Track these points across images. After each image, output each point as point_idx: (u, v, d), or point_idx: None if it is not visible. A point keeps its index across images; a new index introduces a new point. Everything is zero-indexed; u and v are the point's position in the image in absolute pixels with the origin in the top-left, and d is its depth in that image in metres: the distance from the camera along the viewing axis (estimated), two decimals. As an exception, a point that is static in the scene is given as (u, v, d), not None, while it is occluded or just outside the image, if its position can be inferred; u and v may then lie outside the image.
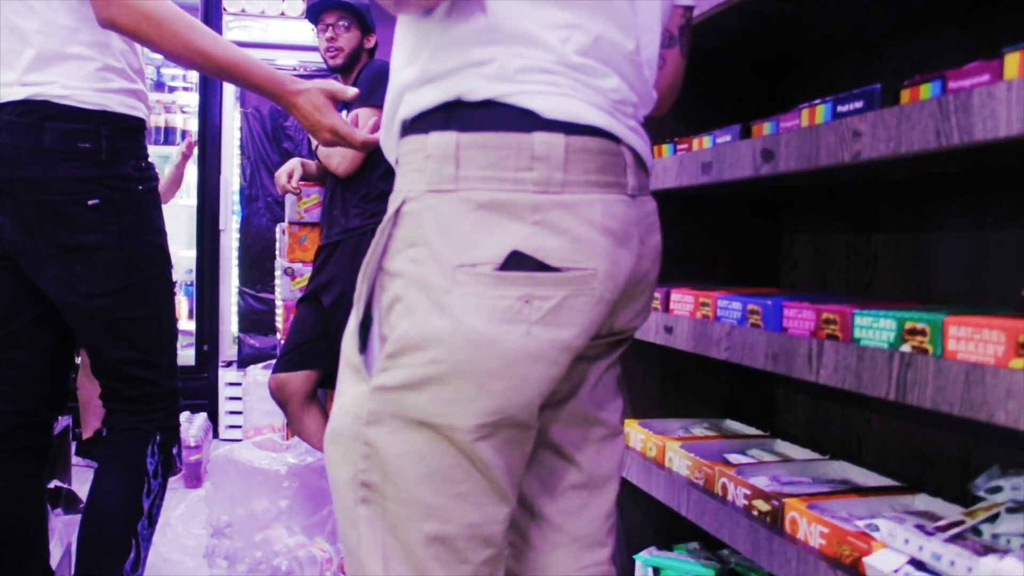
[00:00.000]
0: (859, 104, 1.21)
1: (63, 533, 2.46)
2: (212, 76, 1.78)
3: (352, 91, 1.79)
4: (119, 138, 1.76)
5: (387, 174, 2.93)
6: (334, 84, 1.76)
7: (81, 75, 1.73)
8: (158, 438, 1.89)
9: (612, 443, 1.18)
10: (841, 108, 1.25)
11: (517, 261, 0.95)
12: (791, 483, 1.54)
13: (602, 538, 1.18)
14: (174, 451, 1.97)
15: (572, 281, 0.98)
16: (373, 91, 2.89)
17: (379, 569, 1.01)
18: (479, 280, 0.95)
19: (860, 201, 1.78)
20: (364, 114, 2.88)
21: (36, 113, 1.71)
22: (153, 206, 1.87)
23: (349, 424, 1.02)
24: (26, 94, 1.72)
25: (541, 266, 0.96)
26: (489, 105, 0.98)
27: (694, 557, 1.85)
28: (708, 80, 1.98)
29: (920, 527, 1.16)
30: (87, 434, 3.82)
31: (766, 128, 1.45)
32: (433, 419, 0.97)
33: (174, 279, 1.96)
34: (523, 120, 0.98)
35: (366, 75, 2.96)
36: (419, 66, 1.03)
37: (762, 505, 1.42)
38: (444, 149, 0.98)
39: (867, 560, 1.17)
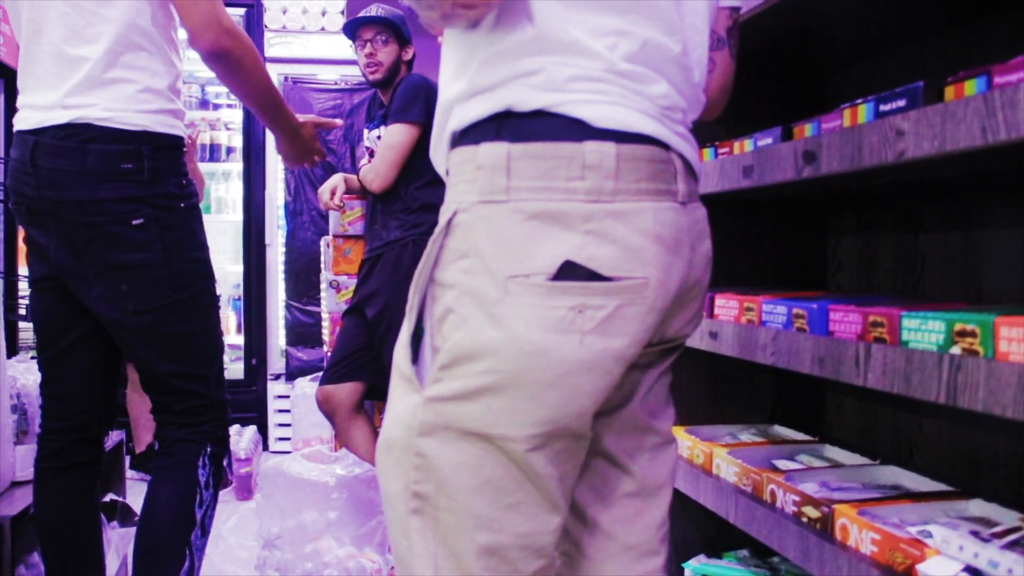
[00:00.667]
0: (902, 103, 1.19)
1: (119, 545, 2.50)
2: (263, 110, 1.94)
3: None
4: (160, 157, 1.79)
5: (427, 186, 2.94)
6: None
7: (123, 97, 1.76)
8: (208, 449, 1.91)
9: (665, 451, 1.17)
10: (884, 107, 1.23)
11: (569, 271, 0.95)
12: (841, 489, 1.52)
13: (655, 547, 1.17)
14: (224, 462, 1.99)
15: (624, 290, 0.97)
16: (408, 108, 2.91)
17: None
18: (532, 290, 0.95)
19: (906, 201, 1.75)
20: (395, 131, 2.91)
21: (79, 136, 1.74)
22: (195, 222, 1.89)
23: (401, 435, 1.02)
24: (69, 117, 1.75)
25: (593, 275, 0.96)
26: (539, 115, 0.99)
27: (744, 565, 1.83)
28: (748, 82, 1.96)
29: (975, 533, 1.13)
30: (139, 448, 3.88)
31: (808, 130, 1.43)
32: (486, 430, 0.97)
33: (218, 293, 1.99)
34: (574, 129, 0.98)
35: (401, 91, 2.99)
36: (468, 79, 1.03)
37: (811, 512, 1.40)
38: (495, 160, 0.98)
39: (920, 567, 1.15)
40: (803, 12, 1.55)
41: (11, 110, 3.21)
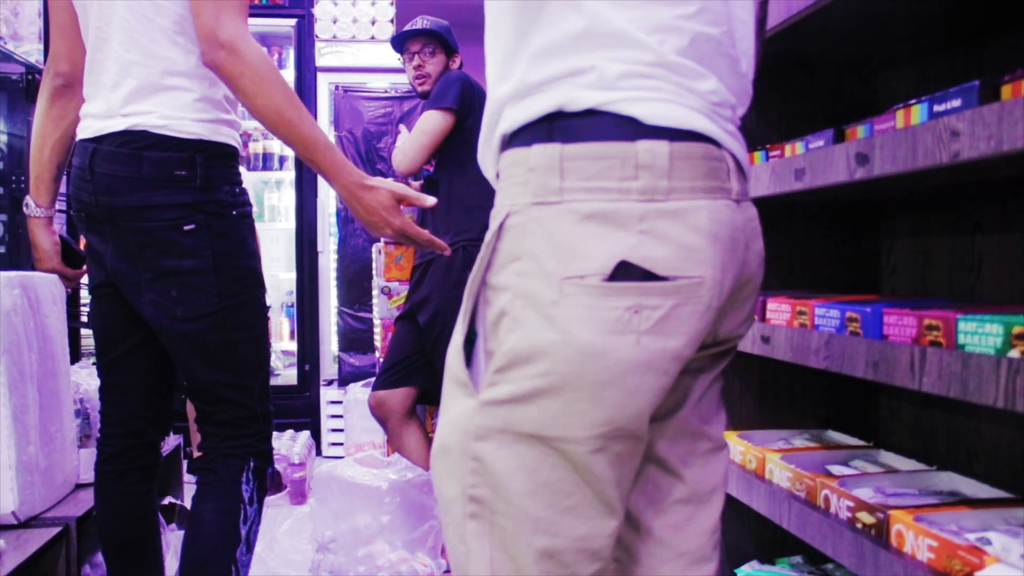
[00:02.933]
0: (957, 103, 1.18)
1: (178, 547, 2.55)
2: (289, 145, 1.77)
3: (430, 200, 1.83)
4: (213, 165, 1.81)
5: (476, 190, 2.96)
6: (407, 189, 1.79)
7: (179, 105, 1.78)
8: (252, 464, 1.91)
9: (717, 457, 1.16)
10: (938, 107, 1.22)
11: (625, 271, 0.94)
12: (896, 495, 1.50)
13: (708, 553, 1.15)
14: (268, 473, 2.00)
15: (680, 290, 0.96)
16: (442, 96, 2.95)
17: None
18: (587, 291, 0.95)
19: (962, 202, 1.72)
20: (427, 117, 2.93)
21: (135, 143, 1.77)
22: (247, 230, 1.91)
23: (457, 439, 1.02)
24: (126, 124, 1.78)
25: (649, 275, 0.95)
26: (591, 114, 0.98)
27: (797, 571, 1.81)
28: (799, 84, 1.95)
29: (1035, 539, 1.12)
30: (197, 452, 3.94)
31: (860, 131, 1.42)
32: (544, 432, 0.97)
33: (268, 303, 2.00)
34: (626, 128, 0.97)
35: (439, 82, 3.04)
36: (517, 78, 1.03)
37: (866, 518, 1.38)
38: (548, 161, 0.98)
39: (979, 575, 1.13)
40: (854, 13, 1.54)
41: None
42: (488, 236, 1.02)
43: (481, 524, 1.01)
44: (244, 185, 1.93)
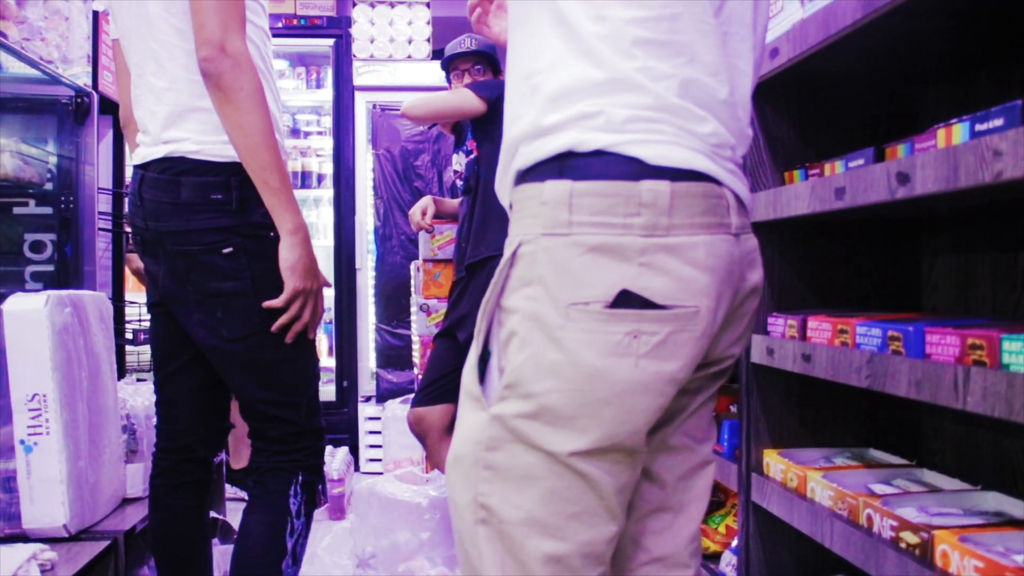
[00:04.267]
0: (999, 122, 1.18)
1: (220, 561, 2.58)
2: (260, 170, 1.78)
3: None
4: (248, 188, 1.82)
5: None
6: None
7: (210, 128, 1.82)
8: (301, 478, 1.94)
9: (702, 472, 1.26)
10: (979, 127, 1.22)
11: (625, 299, 1.03)
12: (940, 514, 1.49)
13: (685, 559, 1.25)
14: (318, 488, 2.03)
15: (677, 318, 1.05)
16: (485, 87, 3.03)
17: None
18: (590, 317, 1.03)
19: (1004, 220, 1.72)
20: (462, 91, 2.99)
21: (174, 169, 1.82)
22: None
23: (470, 450, 1.10)
24: (165, 151, 1.83)
25: (648, 304, 1.04)
26: (599, 155, 1.06)
27: (840, 590, 1.80)
28: (838, 103, 1.95)
29: (1083, 560, 1.11)
30: (236, 465, 3.98)
31: (900, 150, 1.42)
32: (549, 445, 1.05)
33: None
34: (631, 168, 1.05)
35: (486, 80, 3.11)
36: (531, 119, 1.12)
37: (910, 537, 1.38)
38: (559, 197, 1.06)
39: (1026, 595, 1.13)
40: (894, 31, 1.54)
41: (119, 143, 3.38)
42: (502, 262, 1.10)
43: (491, 529, 1.09)
44: None
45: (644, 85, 1.06)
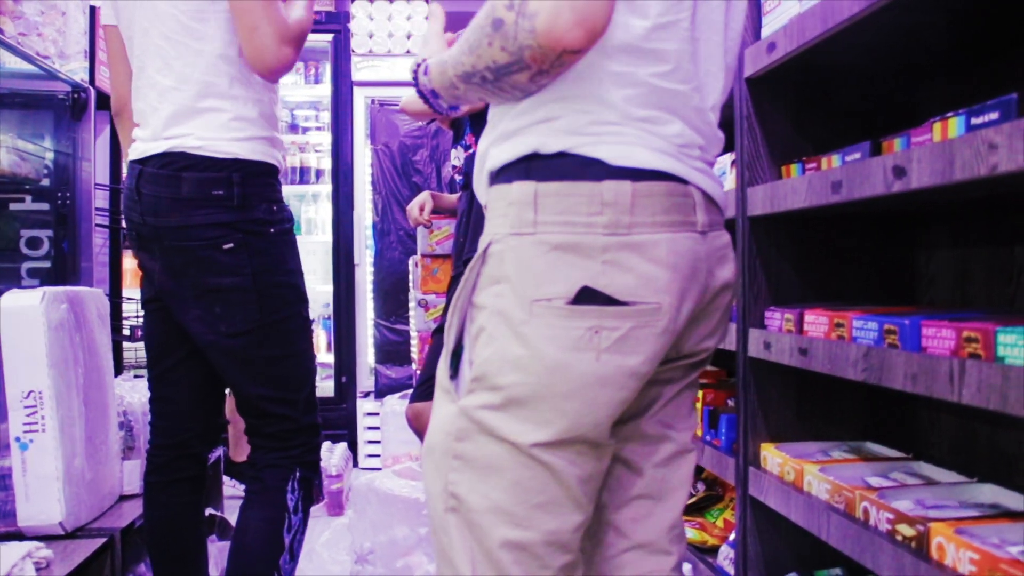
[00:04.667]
0: (994, 115, 1.18)
1: (218, 558, 2.58)
2: None
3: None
4: (250, 184, 1.84)
5: None
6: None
7: (215, 126, 1.83)
8: (298, 474, 1.94)
9: (681, 459, 1.27)
10: (975, 120, 1.22)
11: (587, 296, 1.06)
12: (936, 507, 1.49)
13: (666, 547, 1.27)
14: (315, 484, 2.03)
15: (638, 314, 1.07)
16: None
17: (468, 571, 1.11)
18: (553, 312, 1.06)
19: (1000, 212, 1.72)
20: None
21: (175, 164, 1.82)
22: (286, 247, 1.94)
23: (441, 440, 1.13)
24: (166, 147, 1.83)
25: (610, 300, 1.06)
26: (561, 156, 1.09)
27: (837, 584, 1.80)
28: (835, 97, 1.95)
29: (1078, 553, 1.11)
30: (237, 458, 3.97)
31: (897, 144, 1.42)
32: (513, 437, 1.08)
33: (311, 316, 2.03)
34: (593, 169, 1.08)
35: None
36: (502, 126, 1.15)
37: (906, 530, 1.38)
38: (524, 197, 1.09)
39: (1021, 588, 1.13)
40: (891, 26, 1.54)
41: (116, 139, 3.38)
42: (474, 260, 1.13)
43: (459, 517, 1.11)
44: (284, 201, 1.96)
45: (606, 97, 1.08)
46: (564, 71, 1.03)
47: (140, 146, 1.88)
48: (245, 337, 1.87)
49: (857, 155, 1.52)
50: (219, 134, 1.83)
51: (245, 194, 1.83)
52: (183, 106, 1.83)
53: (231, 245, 1.83)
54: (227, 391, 2.10)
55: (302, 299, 1.98)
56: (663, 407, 1.24)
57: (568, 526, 1.11)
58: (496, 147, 1.16)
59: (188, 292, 1.86)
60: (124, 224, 1.98)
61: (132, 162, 1.90)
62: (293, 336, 1.94)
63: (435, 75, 1.16)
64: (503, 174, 1.14)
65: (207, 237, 1.82)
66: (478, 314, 1.12)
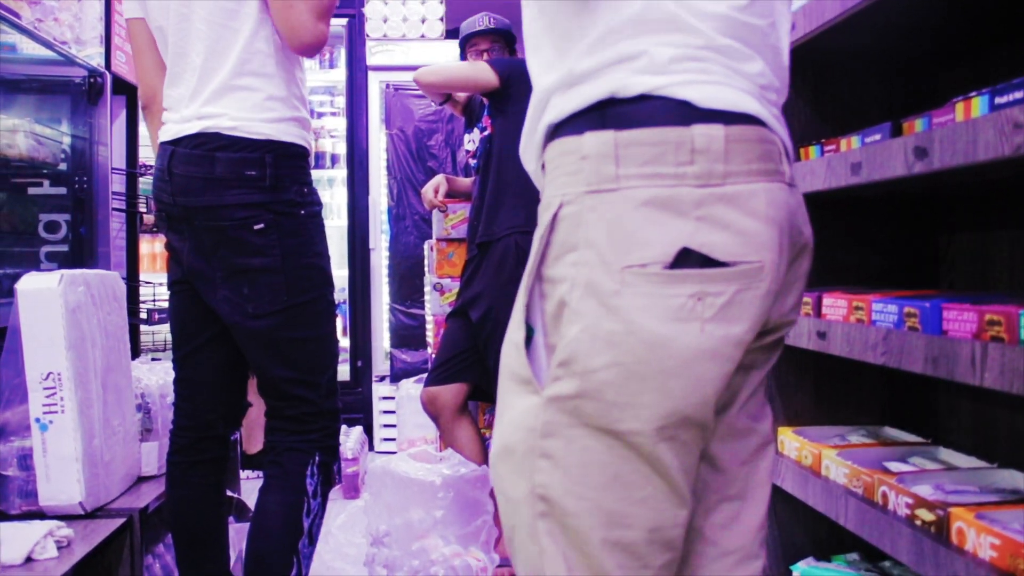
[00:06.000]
0: (1019, 94, 1.16)
1: (235, 540, 2.59)
2: None
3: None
4: (282, 165, 1.85)
5: (524, 181, 2.97)
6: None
7: (248, 106, 1.84)
8: (317, 458, 1.95)
9: (764, 453, 1.16)
10: (999, 100, 1.20)
11: (685, 258, 0.94)
12: (956, 492, 1.48)
13: (755, 551, 1.15)
14: (334, 468, 2.04)
15: (741, 275, 0.96)
16: (499, 62, 3.02)
17: None
18: (649, 280, 0.94)
19: (1023, 194, 1.70)
20: (477, 64, 3.01)
21: (208, 144, 1.83)
22: (315, 230, 1.95)
23: (523, 438, 1.01)
24: (200, 127, 1.84)
25: (708, 261, 0.95)
26: (644, 99, 0.98)
27: (854, 568, 1.79)
28: (855, 78, 1.93)
29: (1101, 537, 1.10)
30: (250, 450, 4.00)
31: (918, 125, 1.41)
32: (613, 425, 0.97)
33: (336, 300, 2.04)
34: (680, 112, 0.97)
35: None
36: (567, 67, 1.03)
37: (926, 515, 1.37)
38: (602, 149, 0.97)
39: (1043, 572, 1.12)
40: (911, 7, 1.52)
41: (132, 124, 3.38)
42: (540, 229, 1.02)
43: (552, 522, 1.00)
44: (314, 184, 1.98)
45: (690, 23, 0.98)
46: None
47: (172, 128, 1.89)
48: (272, 318, 1.87)
49: (877, 136, 1.50)
50: (253, 114, 1.84)
51: (278, 175, 1.84)
52: (222, 85, 1.84)
53: (262, 226, 1.84)
54: (250, 373, 2.11)
55: (328, 282, 1.99)
56: (750, 397, 1.12)
57: (671, 521, 1.01)
58: (561, 94, 1.04)
59: (217, 272, 1.87)
60: (153, 205, 1.98)
61: (163, 143, 1.91)
62: (319, 319, 1.95)
63: None
64: (569, 125, 1.02)
65: (238, 217, 1.83)
66: (554, 289, 1.00)
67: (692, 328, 0.95)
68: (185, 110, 1.87)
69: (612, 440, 0.97)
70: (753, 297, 0.97)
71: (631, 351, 0.95)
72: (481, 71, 2.95)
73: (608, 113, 0.99)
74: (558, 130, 1.04)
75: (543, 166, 1.08)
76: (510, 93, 2.92)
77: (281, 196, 1.85)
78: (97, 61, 3.09)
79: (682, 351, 0.95)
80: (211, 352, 2.01)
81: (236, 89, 1.84)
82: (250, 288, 1.86)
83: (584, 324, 0.96)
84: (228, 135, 1.83)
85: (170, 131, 1.89)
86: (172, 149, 1.87)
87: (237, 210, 1.83)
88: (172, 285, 2.04)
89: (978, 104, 1.25)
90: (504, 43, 3.21)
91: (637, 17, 0.99)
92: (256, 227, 1.83)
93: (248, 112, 1.83)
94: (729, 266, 0.95)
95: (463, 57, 3.31)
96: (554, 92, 1.05)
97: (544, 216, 1.02)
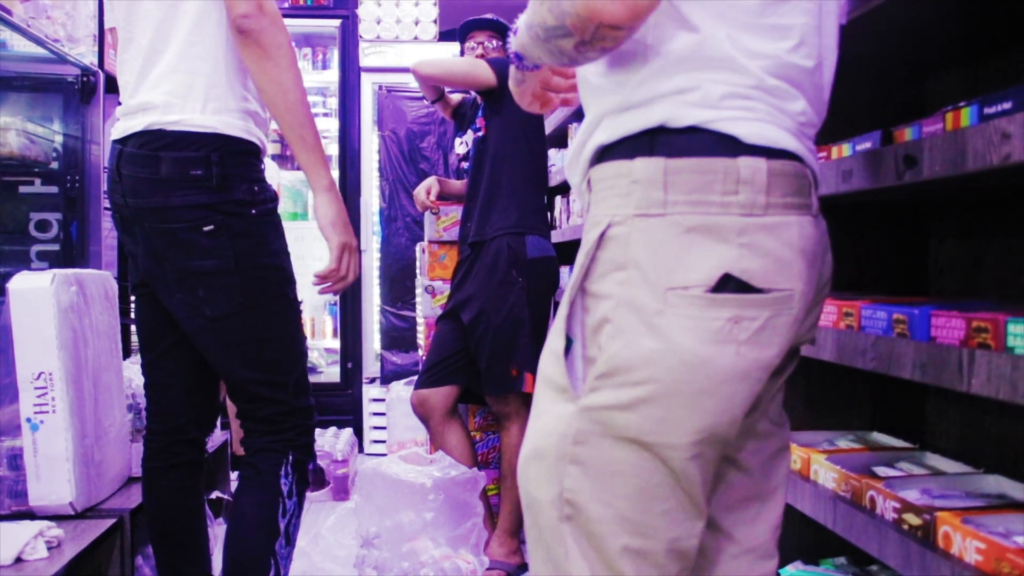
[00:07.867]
0: (1007, 105, 1.17)
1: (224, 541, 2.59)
2: (295, 128, 1.82)
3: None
4: (230, 163, 1.79)
5: (515, 183, 2.98)
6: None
7: (192, 93, 1.78)
8: (291, 458, 1.92)
9: (783, 456, 1.23)
10: (988, 110, 1.22)
11: (725, 283, 1.00)
12: (943, 497, 1.49)
13: (772, 549, 1.22)
14: (309, 467, 2.01)
15: (775, 302, 1.02)
16: (497, 61, 3.02)
17: None
18: (691, 302, 0.99)
19: (1011, 202, 1.71)
20: (475, 61, 3.01)
21: (153, 144, 1.78)
22: (268, 228, 1.89)
23: (555, 443, 1.05)
24: (145, 123, 1.79)
25: (743, 287, 1.00)
26: (693, 131, 1.03)
27: (842, 572, 1.81)
28: (846, 86, 1.94)
29: (1085, 543, 1.11)
30: (242, 451, 3.99)
31: (908, 133, 1.42)
32: (645, 438, 1.01)
33: (300, 299, 1.99)
34: (727, 145, 1.02)
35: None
36: (623, 95, 1.07)
37: (912, 519, 1.38)
38: (652, 174, 1.02)
39: (1028, 577, 1.13)
40: (903, 15, 1.54)
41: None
42: (586, 245, 1.06)
43: (576, 527, 1.05)
44: (267, 180, 1.91)
45: (741, 63, 1.03)
46: (610, 47, 0.99)
47: (120, 124, 1.84)
48: (230, 320, 1.83)
49: (868, 144, 1.51)
50: (196, 103, 1.78)
51: (224, 175, 1.78)
52: (167, 67, 1.79)
53: (211, 227, 1.78)
54: None
55: (288, 281, 1.94)
56: (771, 402, 1.20)
57: (689, 532, 1.06)
58: (614, 118, 1.08)
59: (171, 275, 1.82)
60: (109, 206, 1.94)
61: (113, 142, 1.86)
62: (279, 318, 1.90)
63: (520, 33, 1.11)
64: (619, 148, 1.07)
65: (187, 219, 1.77)
66: (597, 304, 1.05)
67: (728, 350, 1.00)
68: (131, 100, 1.82)
69: (643, 452, 1.02)
70: (784, 323, 1.03)
71: (670, 369, 1.00)
72: (480, 69, 2.96)
73: (658, 140, 1.03)
74: (607, 152, 1.09)
75: (588, 183, 1.13)
76: (507, 93, 2.92)
77: (229, 196, 1.79)
78: (90, 59, 3.10)
79: (718, 371, 1.00)
80: (177, 355, 1.97)
81: (180, 72, 1.78)
82: (205, 291, 1.81)
83: (626, 340, 1.01)
84: (172, 131, 1.77)
85: (119, 128, 1.84)
86: (120, 149, 1.82)
87: (184, 211, 1.77)
88: (134, 289, 1.99)
89: (967, 114, 1.26)
90: (502, 38, 3.23)
91: (694, 54, 1.03)
92: (206, 229, 1.78)
93: (192, 101, 1.78)
94: (765, 292, 1.01)
95: (461, 51, 3.32)
96: (607, 115, 1.09)
97: (591, 233, 1.06)
